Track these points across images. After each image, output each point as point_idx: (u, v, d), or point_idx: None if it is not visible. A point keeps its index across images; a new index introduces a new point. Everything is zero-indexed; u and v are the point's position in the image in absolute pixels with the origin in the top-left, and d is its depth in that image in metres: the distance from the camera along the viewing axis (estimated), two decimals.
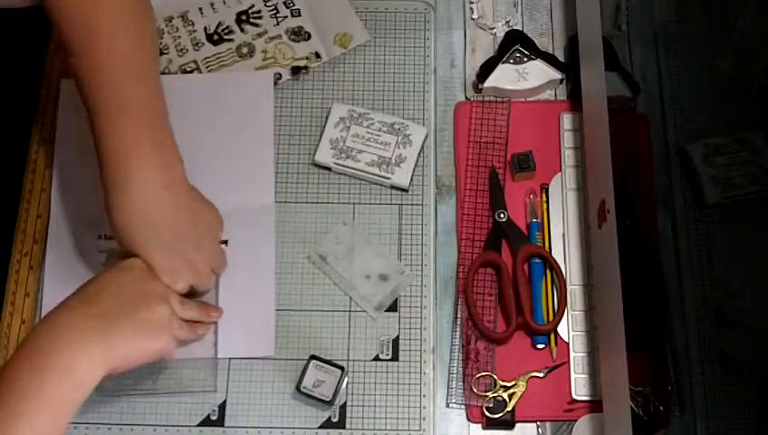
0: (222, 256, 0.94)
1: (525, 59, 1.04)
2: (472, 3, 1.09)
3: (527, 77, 1.03)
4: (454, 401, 0.93)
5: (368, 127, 1.01)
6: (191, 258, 0.88)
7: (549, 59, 1.04)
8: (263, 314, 0.95)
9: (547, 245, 0.98)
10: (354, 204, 1.00)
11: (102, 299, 0.81)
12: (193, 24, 1.07)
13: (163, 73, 1.04)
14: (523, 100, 1.04)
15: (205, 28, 1.07)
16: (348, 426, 0.91)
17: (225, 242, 0.96)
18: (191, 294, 0.91)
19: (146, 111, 0.85)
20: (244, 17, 1.08)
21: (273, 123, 1.02)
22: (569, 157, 1.01)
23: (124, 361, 0.80)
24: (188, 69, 1.05)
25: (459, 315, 0.95)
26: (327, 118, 1.02)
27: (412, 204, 1.00)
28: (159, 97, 0.87)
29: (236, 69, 1.05)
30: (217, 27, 1.07)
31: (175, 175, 0.86)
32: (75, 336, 0.78)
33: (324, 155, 1.00)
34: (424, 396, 0.92)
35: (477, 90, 1.04)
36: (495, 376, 0.92)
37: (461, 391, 0.93)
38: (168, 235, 0.86)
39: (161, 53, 1.05)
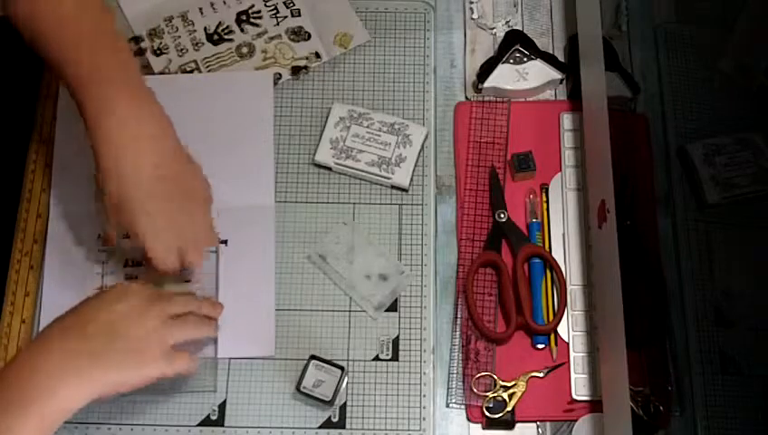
0: (210, 225, 0.93)
1: (525, 59, 1.04)
2: (472, 3, 1.09)
3: (527, 77, 1.03)
4: (454, 401, 0.93)
5: (368, 127, 1.01)
6: (175, 220, 0.88)
7: (549, 59, 1.04)
8: (263, 314, 0.95)
9: (547, 245, 0.98)
10: (354, 204, 1.00)
11: (96, 328, 0.81)
12: (193, 24, 1.07)
13: (163, 73, 1.05)
14: (523, 100, 1.04)
15: (205, 28, 1.07)
16: (348, 426, 0.91)
17: (225, 242, 0.97)
18: (183, 272, 0.92)
19: (122, 70, 0.87)
20: (244, 17, 1.08)
21: (273, 123, 1.02)
22: (569, 157, 1.01)
23: (112, 389, 0.81)
24: (188, 69, 1.05)
25: (459, 315, 0.95)
26: (327, 118, 1.02)
27: (412, 204, 1.00)
28: (131, 59, 0.89)
29: (236, 69, 1.05)
30: (217, 27, 1.07)
31: (162, 125, 0.87)
32: (66, 363, 0.78)
33: (324, 155, 1.00)
34: (424, 396, 0.92)
35: (477, 90, 1.04)
36: (495, 376, 0.92)
37: (461, 391, 0.93)
38: (150, 176, 0.85)
39: (161, 53, 1.06)
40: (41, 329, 0.94)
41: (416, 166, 1.00)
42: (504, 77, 1.03)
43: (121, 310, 0.83)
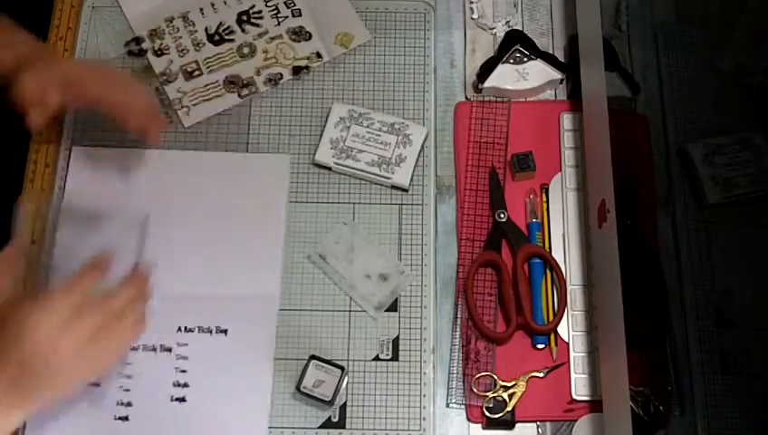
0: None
1: (525, 59, 1.04)
2: (472, 3, 1.09)
3: (527, 77, 1.03)
4: (454, 401, 0.93)
5: (368, 127, 1.01)
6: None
7: (549, 59, 1.04)
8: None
9: (547, 245, 0.98)
10: (354, 204, 1.00)
11: (19, 355, 0.77)
12: (194, 25, 1.07)
13: (163, 74, 1.05)
14: (523, 100, 1.04)
15: (206, 28, 1.07)
16: (348, 426, 0.91)
17: (225, 331, 0.94)
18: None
19: None
20: (245, 17, 1.08)
21: (285, 211, 0.99)
22: (569, 157, 1.01)
23: (43, 406, 0.80)
24: (189, 69, 1.05)
25: (459, 315, 0.95)
26: (327, 118, 1.02)
27: (412, 204, 1.00)
28: None
29: (238, 69, 1.05)
30: (218, 27, 1.07)
31: None
32: None
33: (324, 155, 1.00)
34: (424, 396, 0.92)
35: (477, 90, 1.04)
36: (495, 376, 0.92)
37: (461, 391, 0.93)
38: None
39: (162, 54, 1.06)
40: None
41: (416, 166, 1.00)
42: (504, 77, 1.03)
43: (44, 334, 0.77)
